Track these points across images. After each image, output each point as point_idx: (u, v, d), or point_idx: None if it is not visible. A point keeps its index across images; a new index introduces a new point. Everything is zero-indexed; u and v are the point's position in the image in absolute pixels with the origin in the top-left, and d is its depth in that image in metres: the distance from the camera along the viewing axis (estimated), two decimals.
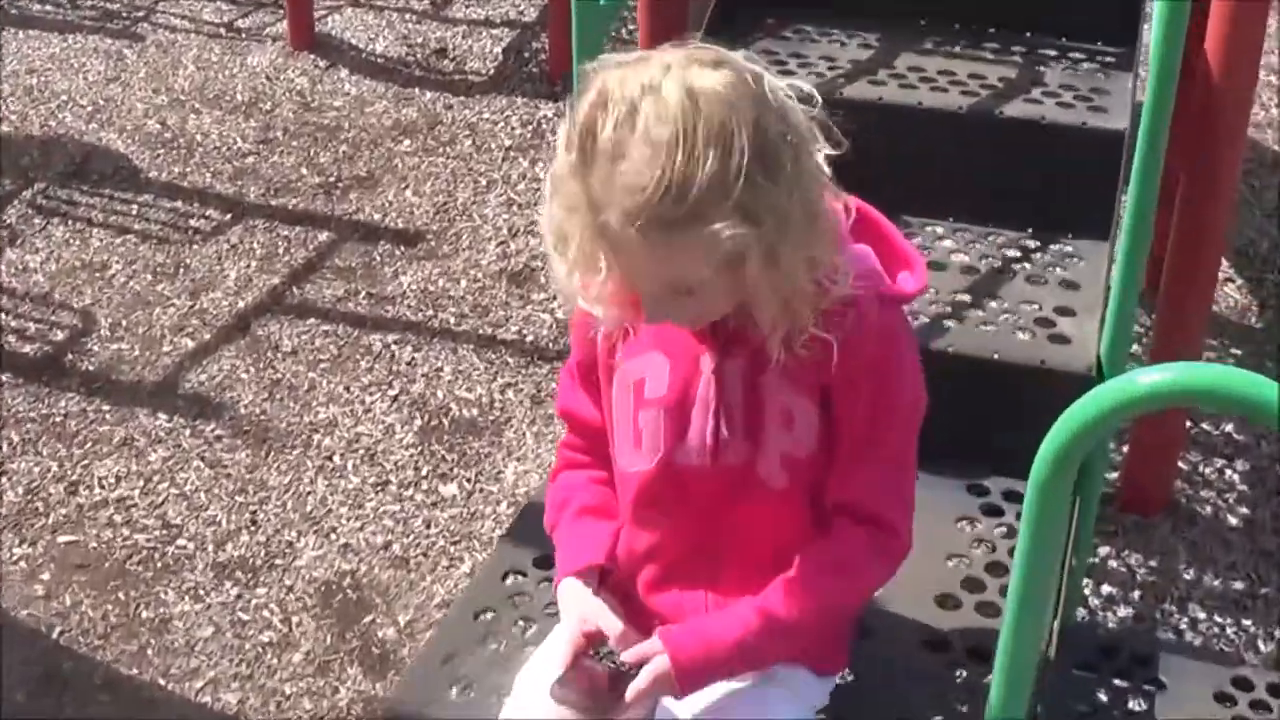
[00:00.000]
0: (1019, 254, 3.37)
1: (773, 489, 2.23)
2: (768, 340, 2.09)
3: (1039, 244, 3.41)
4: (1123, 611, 3.72)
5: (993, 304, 3.21)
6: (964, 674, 2.62)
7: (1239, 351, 4.64)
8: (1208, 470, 4.17)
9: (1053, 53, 3.68)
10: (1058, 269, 3.33)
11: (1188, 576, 3.84)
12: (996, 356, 3.07)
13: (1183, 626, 3.70)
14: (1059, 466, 1.82)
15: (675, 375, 2.24)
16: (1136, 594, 3.76)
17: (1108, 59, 3.65)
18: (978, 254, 3.38)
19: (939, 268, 3.30)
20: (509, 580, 2.81)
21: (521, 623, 2.71)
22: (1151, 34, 2.79)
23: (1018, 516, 2.90)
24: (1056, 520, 1.88)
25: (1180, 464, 4.11)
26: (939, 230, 3.45)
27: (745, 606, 2.21)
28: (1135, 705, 2.70)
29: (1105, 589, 3.77)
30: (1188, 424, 4.15)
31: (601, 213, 1.96)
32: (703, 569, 2.32)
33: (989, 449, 3.04)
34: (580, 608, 2.30)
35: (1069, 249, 3.39)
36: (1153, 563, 3.85)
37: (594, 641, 2.27)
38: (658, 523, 2.33)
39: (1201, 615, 3.74)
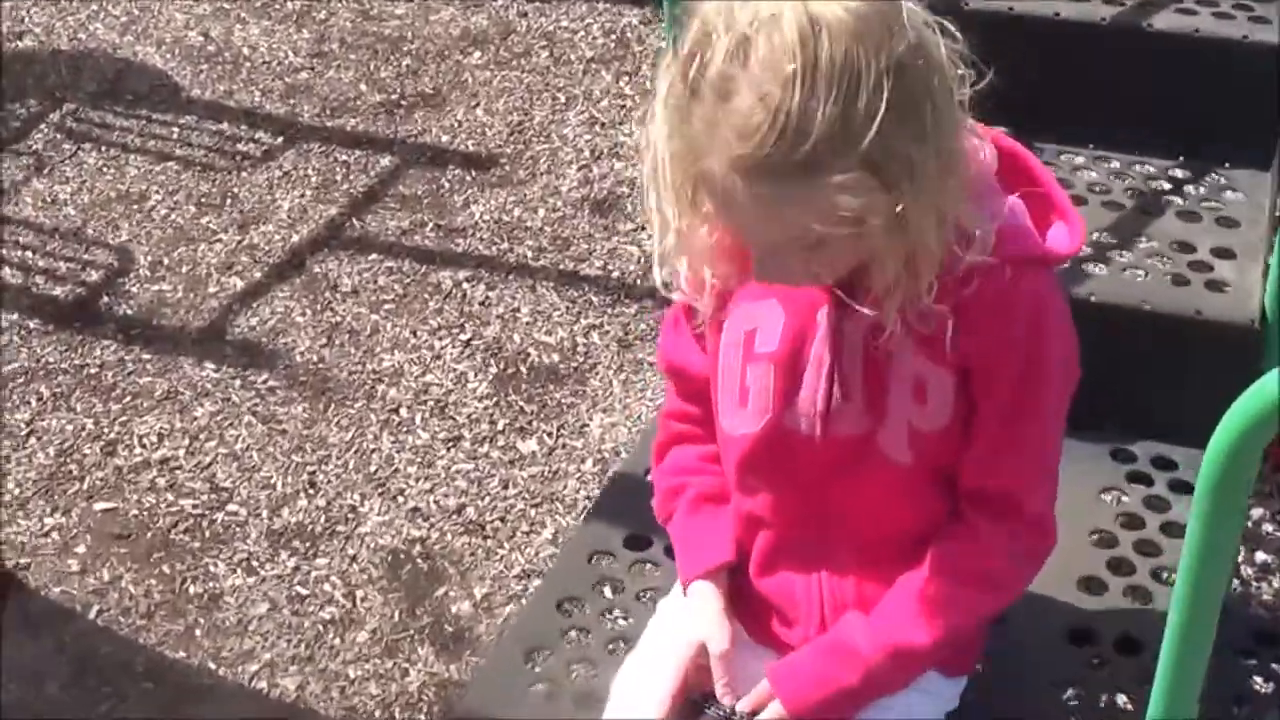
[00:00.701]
0: (1169, 187, 3.29)
1: (896, 464, 2.16)
2: (883, 306, 2.01)
3: (1191, 175, 3.32)
4: (1279, 582, 3.63)
5: (1140, 245, 3.13)
6: (1111, 670, 2.55)
7: None
8: None
9: None
10: (1214, 204, 3.24)
11: None
12: (1146, 306, 2.98)
13: None
14: (1235, 462, 1.72)
15: (789, 328, 2.17)
16: None
17: None
18: (1122, 187, 3.29)
19: (1078, 202, 3.21)
20: (596, 563, 2.75)
21: (611, 615, 2.66)
22: None
23: (1169, 486, 2.88)
24: (1232, 522, 1.79)
25: None
26: (1077, 160, 3.36)
27: (869, 638, 2.15)
28: (1265, 685, 2.64)
29: (1260, 556, 3.68)
30: None
31: (705, 158, 1.89)
32: (815, 547, 2.26)
33: (1136, 410, 2.98)
34: (700, 628, 2.25)
35: (1225, 181, 3.29)
36: None
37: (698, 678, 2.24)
38: (765, 492, 2.27)
39: None
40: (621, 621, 2.64)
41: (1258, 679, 2.64)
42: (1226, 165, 3.32)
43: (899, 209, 1.87)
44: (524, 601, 3.60)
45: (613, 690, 2.37)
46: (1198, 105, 3.32)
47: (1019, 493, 2.15)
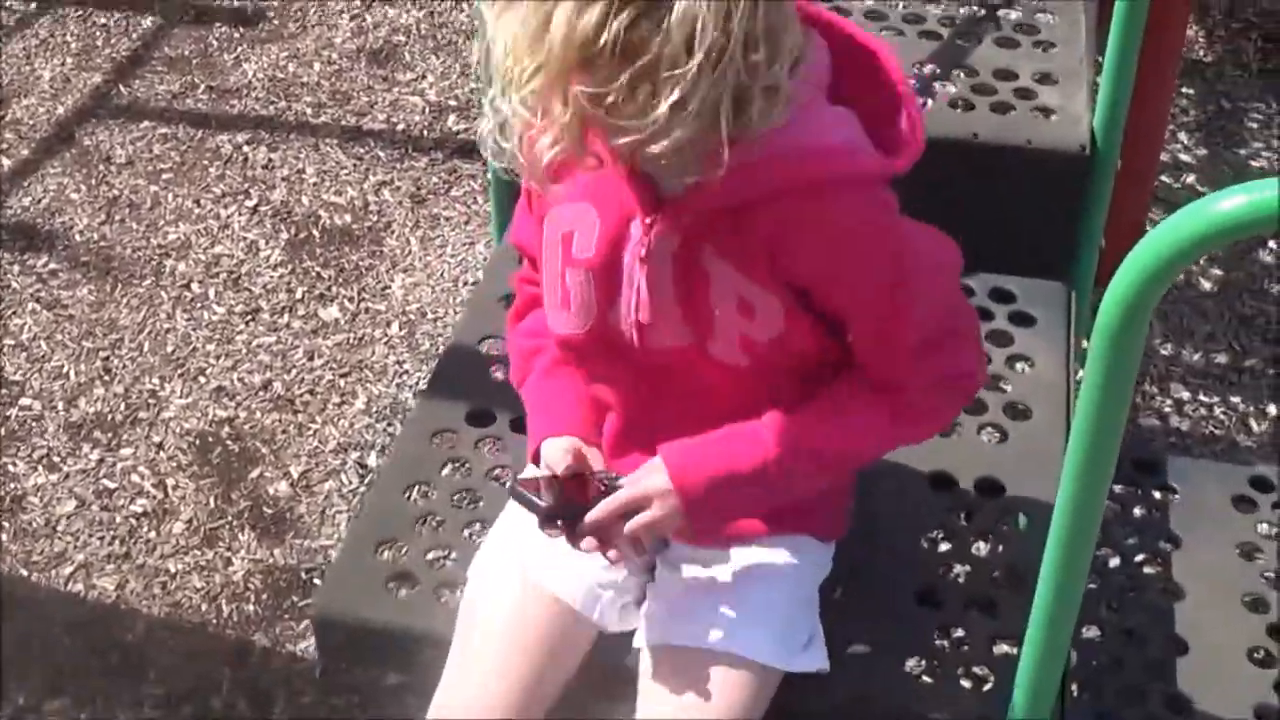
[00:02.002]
0: (983, 12, 3.19)
1: (732, 366, 2.04)
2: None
3: None
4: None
5: (960, 74, 3.02)
6: (977, 514, 2.48)
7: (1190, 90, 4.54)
8: None
9: None
10: (1029, 27, 3.15)
11: (1165, 352, 3.75)
12: (976, 136, 2.89)
13: (1167, 409, 3.62)
14: (1134, 314, 1.64)
15: (604, 236, 2.02)
16: None
17: None
18: (937, 15, 3.18)
19: (894, 35, 3.10)
20: (439, 443, 2.60)
21: (462, 496, 2.52)
22: None
23: (1010, 319, 2.80)
24: (1128, 375, 1.71)
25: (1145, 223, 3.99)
26: None
27: (774, 429, 2.03)
28: (1144, 513, 2.60)
29: (1079, 373, 3.67)
30: None
31: None
32: (661, 431, 2.14)
33: (969, 243, 2.87)
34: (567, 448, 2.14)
35: (1037, 3, 3.20)
36: None
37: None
38: (603, 383, 2.16)
39: (1186, 395, 3.66)
40: (473, 504, 2.50)
41: (1138, 509, 2.59)
42: None
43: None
44: (343, 476, 3.46)
45: (470, 574, 2.25)
46: None
47: (933, 370, 2.05)
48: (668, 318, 2.01)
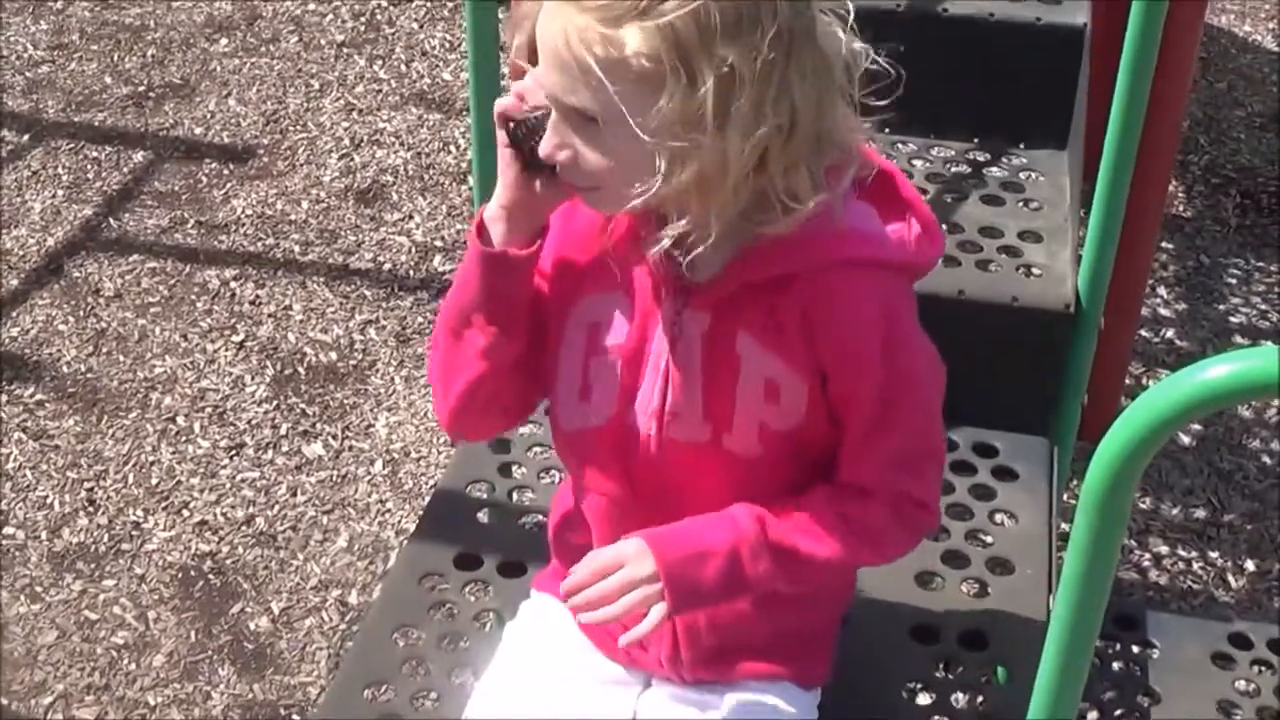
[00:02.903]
0: (969, 170, 3.24)
1: (744, 458, 2.07)
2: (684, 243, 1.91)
3: (989, 157, 3.29)
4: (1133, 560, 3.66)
5: (948, 231, 3.07)
6: (961, 666, 2.50)
7: (1169, 245, 4.60)
8: (1151, 382, 4.11)
9: None
10: (1014, 186, 3.21)
11: (1144, 505, 3.78)
12: (961, 293, 2.93)
13: (1146, 563, 3.65)
14: (1120, 479, 1.66)
15: (637, 320, 2.06)
16: None
17: None
18: (923, 171, 3.24)
19: None
20: (427, 586, 2.62)
21: (449, 640, 2.53)
22: None
23: (993, 474, 2.83)
24: (1115, 535, 1.73)
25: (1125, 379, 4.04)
26: (874, 145, 3.29)
27: (748, 516, 2.03)
28: (1123, 668, 2.63)
29: (1062, 525, 3.69)
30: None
31: None
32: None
33: (953, 396, 2.91)
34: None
35: (1023, 162, 3.27)
36: None
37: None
38: (604, 486, 2.16)
39: (1164, 549, 3.69)
40: (462, 647, 2.52)
41: (1117, 664, 2.61)
42: (1022, 146, 3.30)
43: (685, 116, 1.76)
44: (324, 614, 3.47)
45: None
46: (993, 87, 3.28)
47: (897, 483, 2.07)
48: (691, 405, 2.03)
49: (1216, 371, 1.55)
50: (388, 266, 4.49)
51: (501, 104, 1.96)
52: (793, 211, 1.87)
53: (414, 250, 4.55)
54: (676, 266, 1.99)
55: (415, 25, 5.62)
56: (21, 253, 4.57)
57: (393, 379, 4.11)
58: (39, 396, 4.08)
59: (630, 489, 2.13)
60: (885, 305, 1.99)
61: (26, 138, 5.05)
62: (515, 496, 2.83)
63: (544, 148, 1.89)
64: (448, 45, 5.50)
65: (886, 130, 3.20)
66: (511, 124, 1.94)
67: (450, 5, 5.72)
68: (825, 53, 1.85)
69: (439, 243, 4.59)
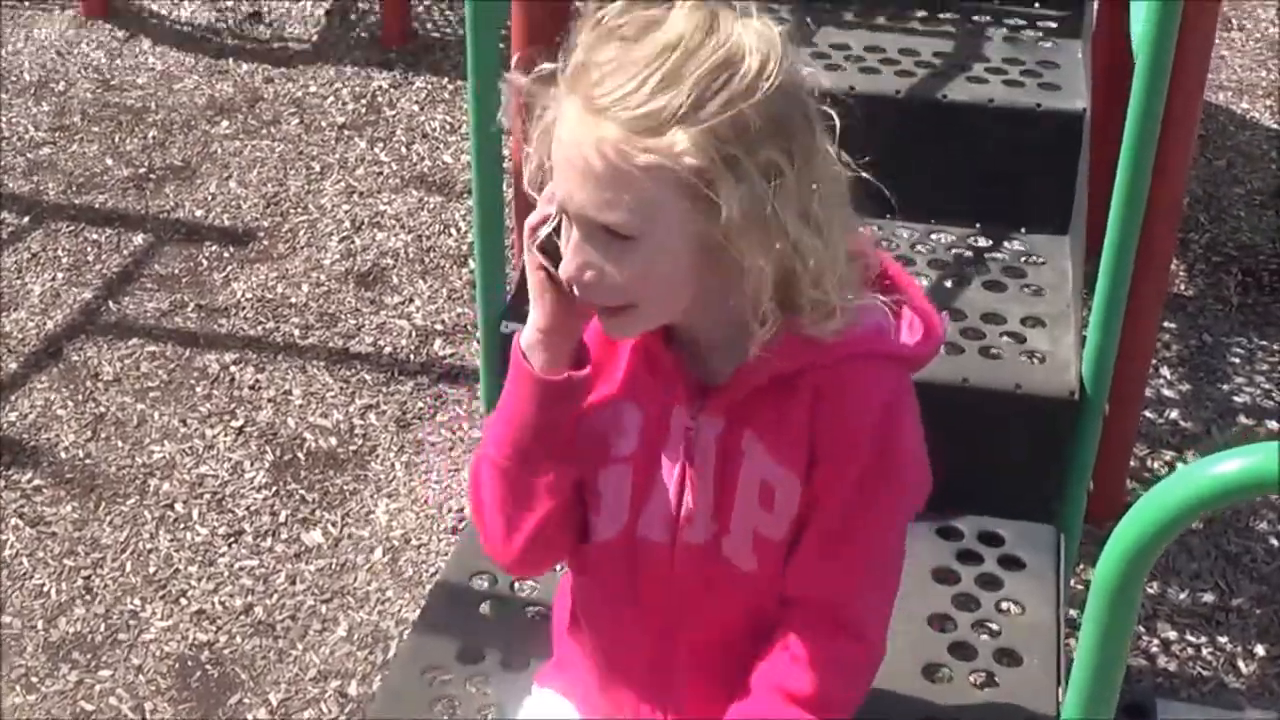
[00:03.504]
0: (970, 255, 3.23)
1: (742, 572, 2.04)
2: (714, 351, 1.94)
3: (990, 243, 3.28)
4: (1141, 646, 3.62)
5: (950, 318, 3.06)
6: None
7: (1172, 324, 4.58)
8: (1156, 464, 4.08)
9: (987, 18, 3.53)
10: (1017, 271, 3.20)
11: (1151, 590, 3.74)
12: (965, 381, 2.91)
13: (1154, 649, 3.60)
14: (1130, 573, 1.66)
15: (646, 429, 2.04)
16: None
17: (1050, 23, 3.50)
18: (924, 257, 3.23)
19: None
20: (429, 679, 2.59)
21: None
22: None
23: (999, 563, 2.80)
24: (1126, 628, 1.73)
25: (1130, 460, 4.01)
26: (875, 231, 3.28)
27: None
28: None
29: (1070, 612, 3.66)
30: None
31: (566, 97, 1.79)
32: (660, 679, 2.14)
33: (958, 485, 2.89)
34: None
35: (1024, 247, 3.27)
36: None
37: None
38: (609, 596, 2.14)
39: (1173, 635, 3.64)
40: None
41: None
42: (1023, 230, 3.29)
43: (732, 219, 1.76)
44: (323, 705, 3.43)
45: None
46: (993, 172, 3.28)
47: (839, 603, 2.02)
48: (704, 508, 2.01)
49: (1225, 468, 1.54)
50: (388, 350, 4.47)
51: (532, 220, 1.93)
52: (833, 310, 1.86)
53: (414, 334, 4.53)
54: (690, 371, 1.98)
55: (416, 107, 5.62)
56: (20, 336, 4.55)
57: (393, 465, 4.08)
58: (36, 482, 4.05)
59: (634, 594, 2.11)
60: (889, 395, 1.97)
61: (27, 220, 5.04)
62: (517, 588, 2.81)
63: (567, 269, 1.85)
64: (448, 127, 5.50)
65: (888, 216, 3.22)
66: (541, 240, 1.91)
67: (451, 87, 5.72)
68: (830, 153, 1.85)
69: (439, 326, 4.57)
